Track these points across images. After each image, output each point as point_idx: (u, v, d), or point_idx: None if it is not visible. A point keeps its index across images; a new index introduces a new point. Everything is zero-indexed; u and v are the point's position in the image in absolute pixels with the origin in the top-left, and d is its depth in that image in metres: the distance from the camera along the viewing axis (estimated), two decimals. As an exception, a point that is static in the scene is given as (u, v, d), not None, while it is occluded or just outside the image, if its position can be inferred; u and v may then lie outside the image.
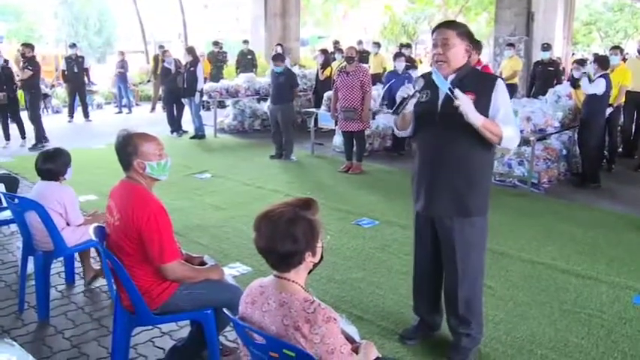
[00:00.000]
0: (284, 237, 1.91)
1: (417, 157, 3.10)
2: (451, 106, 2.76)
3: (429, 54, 20.07)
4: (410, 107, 2.92)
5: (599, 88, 6.87)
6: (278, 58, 8.94)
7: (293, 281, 1.98)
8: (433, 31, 2.92)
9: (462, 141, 2.86)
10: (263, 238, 1.95)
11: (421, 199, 3.07)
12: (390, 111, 9.03)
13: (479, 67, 6.19)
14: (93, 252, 4.26)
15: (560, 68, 12.23)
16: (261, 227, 1.96)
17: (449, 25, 2.94)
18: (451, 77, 2.88)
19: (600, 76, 6.92)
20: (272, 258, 1.97)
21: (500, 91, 2.87)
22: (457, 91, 2.74)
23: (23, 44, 9.77)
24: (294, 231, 1.91)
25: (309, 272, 2.05)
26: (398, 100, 2.90)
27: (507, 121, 2.85)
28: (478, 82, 2.89)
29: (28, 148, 9.47)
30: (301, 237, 1.92)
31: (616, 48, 8.52)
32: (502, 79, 2.96)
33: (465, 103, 2.72)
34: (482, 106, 2.82)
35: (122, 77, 14.54)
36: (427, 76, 2.94)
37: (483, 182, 3.00)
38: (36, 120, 9.50)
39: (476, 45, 2.90)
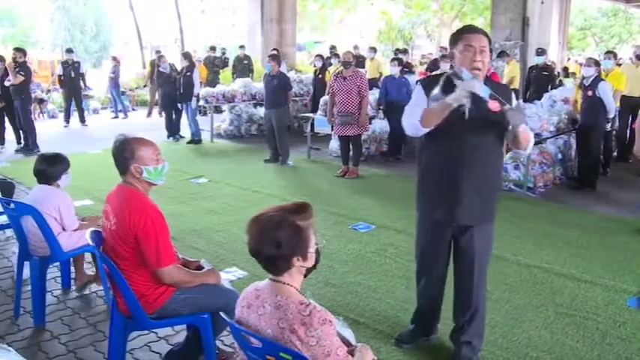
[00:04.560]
0: (269, 241, 1.93)
1: (438, 164, 2.96)
2: (481, 110, 2.66)
3: (425, 58, 20.09)
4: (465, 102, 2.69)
5: (608, 91, 6.95)
6: (271, 57, 8.99)
7: (288, 284, 1.99)
8: (463, 34, 2.83)
9: (489, 146, 2.87)
10: (252, 241, 1.98)
11: (443, 207, 2.96)
12: (381, 116, 9.14)
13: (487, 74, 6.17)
14: (88, 257, 4.25)
15: (555, 73, 12.29)
16: (251, 231, 1.99)
17: (483, 32, 2.87)
18: None
19: (599, 80, 6.96)
20: (260, 261, 2.00)
21: (514, 99, 2.93)
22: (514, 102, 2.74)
23: (15, 49, 9.69)
24: (278, 236, 1.92)
25: (305, 276, 2.06)
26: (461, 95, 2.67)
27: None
28: (498, 90, 2.78)
29: (15, 150, 9.47)
30: (285, 242, 1.93)
31: (610, 53, 8.59)
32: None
33: (518, 110, 2.71)
34: (503, 113, 2.75)
35: (114, 83, 14.56)
36: (444, 79, 2.78)
37: (500, 188, 3.09)
38: (28, 125, 9.47)
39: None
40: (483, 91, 2.67)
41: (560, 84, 11.44)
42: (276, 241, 1.92)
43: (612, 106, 7.06)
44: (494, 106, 2.63)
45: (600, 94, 6.92)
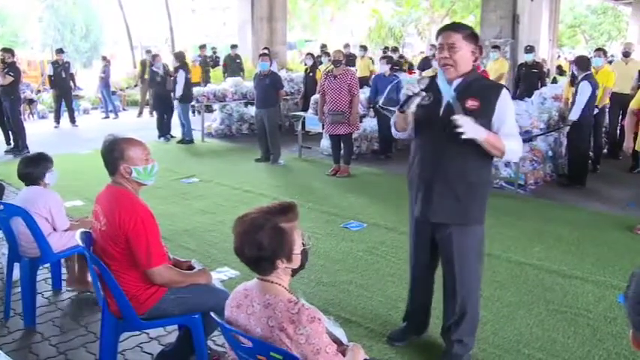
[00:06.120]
0: (250, 243, 1.94)
1: (416, 161, 3.02)
2: (459, 110, 2.71)
3: (417, 56, 20.12)
4: (413, 107, 2.81)
5: (584, 93, 6.89)
6: (265, 55, 8.99)
7: (277, 283, 1.99)
8: (438, 34, 2.85)
9: (464, 148, 2.77)
10: (236, 241, 1.99)
11: (418, 204, 3.00)
12: (372, 114, 9.15)
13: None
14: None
15: (544, 70, 12.33)
16: (235, 231, 2.00)
17: (455, 28, 2.83)
18: (457, 82, 2.81)
19: (584, 79, 6.97)
20: (244, 261, 2.00)
21: (504, 100, 2.81)
22: (457, 109, 2.68)
23: (3, 49, 9.59)
24: (259, 238, 1.92)
25: (292, 276, 2.06)
26: (402, 97, 2.83)
27: (512, 133, 2.82)
28: (483, 90, 2.81)
29: (4, 151, 9.41)
30: (266, 244, 1.93)
31: (599, 50, 8.63)
32: (507, 88, 2.89)
33: (465, 122, 2.64)
34: (485, 114, 2.76)
35: (104, 83, 14.50)
36: (432, 79, 2.90)
37: (483, 190, 2.95)
38: (17, 126, 9.41)
39: (480, 49, 2.89)
40: (445, 91, 2.78)
41: (555, 82, 11.49)
42: (257, 243, 1.92)
43: (578, 108, 6.91)
44: (469, 104, 2.71)
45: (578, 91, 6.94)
